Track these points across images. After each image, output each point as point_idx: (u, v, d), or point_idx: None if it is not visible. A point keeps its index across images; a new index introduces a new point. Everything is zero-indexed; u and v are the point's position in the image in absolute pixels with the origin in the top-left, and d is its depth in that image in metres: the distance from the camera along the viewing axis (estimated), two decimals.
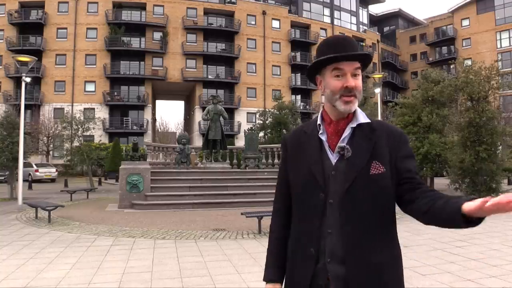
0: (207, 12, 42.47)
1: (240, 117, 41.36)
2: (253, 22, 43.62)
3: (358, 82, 1.44)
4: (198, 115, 37.55)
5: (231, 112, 38.73)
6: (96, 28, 38.92)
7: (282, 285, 1.56)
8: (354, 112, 1.47)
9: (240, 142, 33.12)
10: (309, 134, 1.53)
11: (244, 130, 17.32)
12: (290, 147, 1.58)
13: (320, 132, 1.49)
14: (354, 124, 1.45)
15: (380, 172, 1.40)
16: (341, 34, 1.58)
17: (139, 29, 40.17)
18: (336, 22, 49.00)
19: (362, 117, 1.47)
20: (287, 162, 1.59)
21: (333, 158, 1.45)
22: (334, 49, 1.43)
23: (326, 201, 1.42)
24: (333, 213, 1.41)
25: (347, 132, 1.45)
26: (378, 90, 17.81)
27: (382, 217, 1.43)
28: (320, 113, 1.55)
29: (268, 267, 1.59)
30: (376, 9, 70.25)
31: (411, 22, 59.43)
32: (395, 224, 1.49)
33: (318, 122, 1.51)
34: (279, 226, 1.62)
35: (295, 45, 45.12)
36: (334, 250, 1.40)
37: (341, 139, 1.45)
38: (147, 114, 40.19)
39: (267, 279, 1.57)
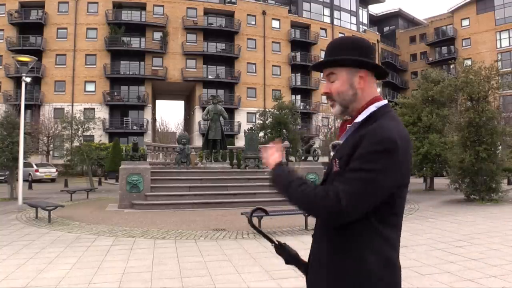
0: (207, 12, 42.47)
1: (240, 117, 41.36)
2: (253, 22, 43.62)
3: (332, 86, 1.48)
4: (198, 115, 37.55)
5: (231, 112, 38.73)
6: (96, 28, 38.92)
7: None
8: (362, 111, 1.46)
9: (240, 142, 33.11)
10: None
11: (244, 130, 17.33)
12: None
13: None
14: (351, 123, 1.48)
15: (335, 171, 1.40)
16: (340, 36, 1.67)
17: (139, 29, 40.17)
18: (336, 22, 49.00)
19: (362, 116, 1.44)
20: None
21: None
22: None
23: None
24: None
25: (348, 131, 1.48)
26: (378, 90, 17.78)
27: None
28: None
29: None
30: (376, 9, 70.33)
31: (411, 22, 59.43)
32: (368, 229, 1.34)
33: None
34: None
35: (295, 45, 45.12)
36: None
37: (340, 138, 1.51)
38: (147, 114, 40.19)
39: None
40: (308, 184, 1.38)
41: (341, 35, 48.59)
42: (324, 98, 1.65)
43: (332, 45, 1.52)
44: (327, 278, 1.38)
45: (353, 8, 51.46)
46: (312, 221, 1.71)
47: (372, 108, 1.43)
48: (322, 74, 1.56)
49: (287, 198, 1.41)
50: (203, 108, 28.13)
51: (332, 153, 1.55)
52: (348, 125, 1.49)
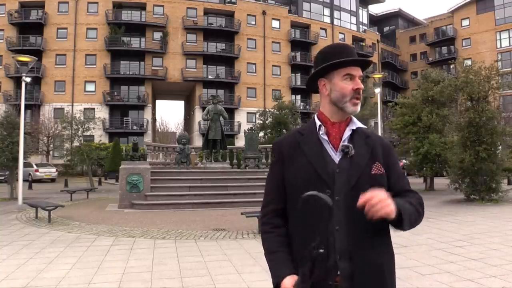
0: (207, 12, 42.46)
1: (240, 117, 41.36)
2: (253, 22, 43.61)
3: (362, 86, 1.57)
4: (198, 115, 37.55)
5: (231, 112, 38.72)
6: (96, 28, 38.92)
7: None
8: (351, 118, 1.58)
9: (240, 142, 33.11)
10: (306, 135, 1.56)
11: (244, 130, 17.33)
12: (287, 149, 1.57)
13: (321, 132, 1.53)
14: (354, 127, 1.54)
15: (380, 172, 1.50)
16: (341, 42, 1.71)
17: (139, 29, 40.16)
18: (336, 22, 48.99)
19: (359, 123, 1.57)
20: (283, 164, 1.57)
21: (336, 156, 1.49)
22: (345, 54, 1.53)
23: (332, 198, 1.42)
24: (340, 210, 1.44)
25: (347, 133, 1.53)
26: (378, 90, 17.82)
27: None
28: (316, 116, 1.59)
29: (279, 263, 1.48)
30: (376, 9, 70.33)
31: (411, 22, 59.43)
32: (389, 225, 1.53)
33: (319, 123, 1.56)
34: (277, 226, 1.56)
35: (295, 45, 45.11)
36: (343, 247, 1.42)
37: (343, 139, 1.52)
38: (147, 114, 40.19)
39: (285, 274, 1.43)
40: (410, 201, 1.51)
41: (341, 35, 48.64)
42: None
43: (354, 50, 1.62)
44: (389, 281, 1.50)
45: (353, 8, 51.44)
46: None
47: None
48: (348, 71, 1.53)
49: (412, 224, 1.50)
50: (203, 108, 28.13)
51: (340, 154, 1.49)
52: (346, 127, 1.55)
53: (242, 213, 8.36)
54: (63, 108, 35.34)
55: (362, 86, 1.52)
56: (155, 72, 39.97)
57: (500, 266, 5.24)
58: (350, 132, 1.53)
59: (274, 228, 1.56)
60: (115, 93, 39.49)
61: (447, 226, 8.58)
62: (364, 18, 54.11)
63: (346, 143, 1.50)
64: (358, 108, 1.53)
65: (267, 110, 32.01)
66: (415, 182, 20.38)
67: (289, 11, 46.18)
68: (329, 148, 1.51)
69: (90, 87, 38.32)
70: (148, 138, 37.34)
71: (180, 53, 40.78)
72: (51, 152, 32.48)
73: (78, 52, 38.22)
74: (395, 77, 53.95)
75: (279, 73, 43.97)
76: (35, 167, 26.94)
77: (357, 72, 1.52)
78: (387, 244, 1.52)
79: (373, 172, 1.48)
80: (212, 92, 36.23)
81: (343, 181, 1.45)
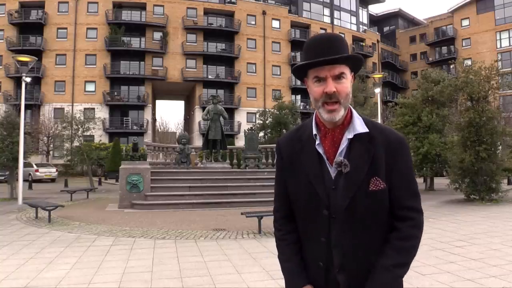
0: (207, 12, 42.48)
1: (240, 117, 41.37)
2: (253, 22, 43.63)
3: (341, 86, 1.34)
4: (198, 115, 37.55)
5: (231, 112, 38.73)
6: (96, 28, 38.94)
7: None
8: (351, 117, 1.42)
9: (240, 142, 33.12)
10: (304, 143, 1.46)
11: (244, 130, 17.32)
12: (286, 156, 1.52)
13: (317, 143, 1.42)
14: (351, 135, 1.39)
15: (379, 188, 1.38)
16: (326, 33, 1.46)
17: (139, 29, 40.19)
18: (336, 22, 49.01)
19: (360, 124, 1.41)
20: (283, 171, 1.53)
21: (332, 172, 1.41)
22: (315, 52, 1.35)
23: (330, 217, 1.41)
24: (337, 227, 1.40)
25: (344, 144, 1.39)
26: (378, 90, 17.84)
27: (381, 229, 1.43)
28: (314, 118, 1.46)
29: (294, 275, 1.49)
30: (376, 9, 70.34)
31: (411, 22, 59.47)
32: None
33: (314, 132, 1.43)
34: (288, 233, 1.55)
35: (295, 45, 45.09)
36: (341, 262, 1.41)
37: (339, 152, 1.40)
38: (147, 114, 40.21)
39: (299, 286, 1.46)
40: (404, 243, 1.40)
41: (341, 35, 48.62)
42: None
43: (340, 40, 1.40)
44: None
45: (353, 8, 51.46)
46: None
47: (355, 113, 1.43)
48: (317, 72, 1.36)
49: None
50: (203, 108, 28.13)
51: (335, 170, 1.40)
52: (344, 133, 1.41)
53: (242, 213, 8.35)
54: (63, 108, 35.30)
55: (330, 89, 1.32)
56: (155, 72, 39.99)
57: (500, 266, 5.24)
58: (347, 142, 1.39)
59: (285, 234, 1.56)
60: (115, 93, 39.51)
61: (447, 226, 8.58)
62: (364, 18, 54.12)
63: (342, 155, 1.38)
64: (336, 115, 1.34)
65: (267, 110, 32.04)
66: None
67: (289, 11, 46.19)
68: (326, 162, 1.42)
69: (90, 87, 38.34)
70: (148, 138, 37.31)
71: (180, 53, 40.79)
72: (51, 152, 32.49)
73: (78, 52, 38.24)
74: (395, 77, 53.97)
75: (279, 73, 43.99)
76: (35, 167, 26.95)
77: (329, 71, 1.33)
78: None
79: (370, 189, 1.36)
80: (212, 92, 36.23)
81: (338, 199, 1.38)
